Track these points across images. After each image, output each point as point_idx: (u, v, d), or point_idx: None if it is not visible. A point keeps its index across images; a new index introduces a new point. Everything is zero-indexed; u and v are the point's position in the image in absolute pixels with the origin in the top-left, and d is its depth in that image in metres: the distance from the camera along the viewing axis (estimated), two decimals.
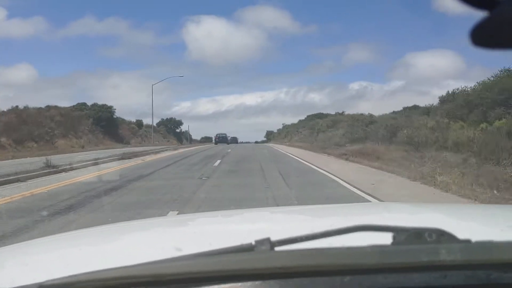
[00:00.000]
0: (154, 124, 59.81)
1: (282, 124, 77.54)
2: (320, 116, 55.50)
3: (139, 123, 59.64)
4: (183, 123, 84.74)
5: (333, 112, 51.78)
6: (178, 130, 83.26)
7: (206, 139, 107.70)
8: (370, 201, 6.62)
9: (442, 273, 0.68)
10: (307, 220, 1.49)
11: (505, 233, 1.02)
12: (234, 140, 57.60)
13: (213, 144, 48.03)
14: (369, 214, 1.54)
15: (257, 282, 0.68)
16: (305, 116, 63.11)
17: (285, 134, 61.80)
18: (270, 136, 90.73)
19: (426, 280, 0.68)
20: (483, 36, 0.58)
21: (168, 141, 63.91)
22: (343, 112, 48.66)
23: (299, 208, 2.56)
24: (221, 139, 50.89)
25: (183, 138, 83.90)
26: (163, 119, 78.18)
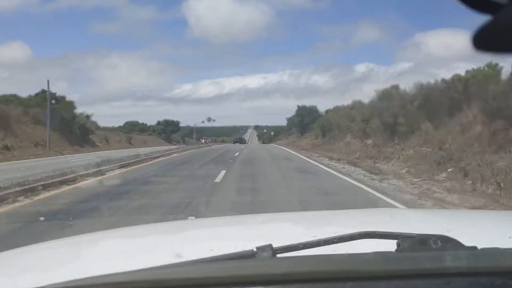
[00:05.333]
0: None
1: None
2: None
3: None
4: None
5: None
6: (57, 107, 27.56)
7: (167, 125, 61.53)
8: None
9: (445, 279, 0.67)
10: (310, 227, 1.47)
11: None
12: (244, 141, 71.38)
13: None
14: (373, 221, 1.52)
15: None
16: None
17: None
18: (317, 118, 38.50)
19: (429, 287, 0.67)
20: (485, 41, 0.58)
21: None
22: None
23: (302, 214, 2.55)
24: (238, 140, 66.62)
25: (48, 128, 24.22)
26: None
